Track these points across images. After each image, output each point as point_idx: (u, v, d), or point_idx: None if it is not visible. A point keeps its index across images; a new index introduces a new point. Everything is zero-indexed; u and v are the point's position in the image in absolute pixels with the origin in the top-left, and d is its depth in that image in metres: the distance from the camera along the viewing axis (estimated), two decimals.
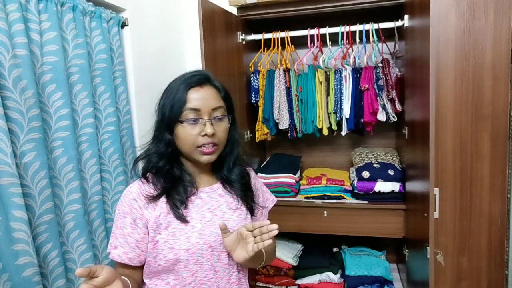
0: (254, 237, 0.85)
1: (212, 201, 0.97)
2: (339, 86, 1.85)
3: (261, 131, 2.03)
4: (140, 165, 0.97)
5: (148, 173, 0.94)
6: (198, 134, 0.90)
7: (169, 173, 0.94)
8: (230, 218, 0.97)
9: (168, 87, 0.95)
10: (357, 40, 1.83)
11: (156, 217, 0.90)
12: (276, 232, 0.83)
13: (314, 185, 1.93)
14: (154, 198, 0.91)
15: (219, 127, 0.93)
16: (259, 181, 1.12)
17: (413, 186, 1.63)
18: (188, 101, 0.89)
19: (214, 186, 1.00)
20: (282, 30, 1.91)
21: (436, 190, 1.67)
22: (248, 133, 1.98)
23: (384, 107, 1.81)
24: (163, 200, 0.92)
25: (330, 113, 1.88)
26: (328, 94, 1.89)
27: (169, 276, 0.92)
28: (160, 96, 0.95)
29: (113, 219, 1.60)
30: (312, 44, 1.87)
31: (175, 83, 0.93)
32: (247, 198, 1.02)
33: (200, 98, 0.90)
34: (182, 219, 0.90)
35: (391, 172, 1.79)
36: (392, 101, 1.81)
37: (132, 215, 0.89)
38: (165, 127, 0.92)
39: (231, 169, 1.01)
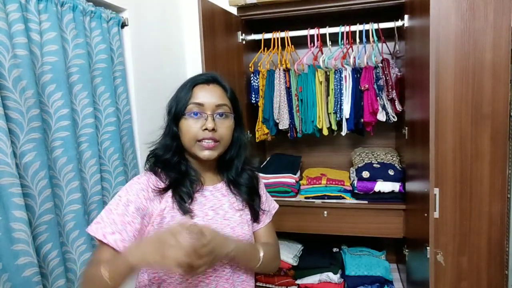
0: None
1: (215, 200, 0.98)
2: (339, 86, 1.84)
3: (261, 131, 2.03)
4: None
5: (156, 167, 0.96)
6: (199, 128, 0.92)
7: (176, 166, 0.96)
8: (232, 218, 0.98)
9: (179, 86, 0.99)
10: (357, 40, 1.83)
11: (161, 210, 0.90)
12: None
13: (314, 185, 1.92)
14: (161, 191, 0.92)
15: (222, 124, 0.94)
16: (264, 186, 1.13)
17: (413, 186, 1.63)
18: (193, 96, 0.93)
19: (218, 186, 1.01)
20: (282, 30, 1.91)
21: (436, 190, 1.67)
22: (248, 133, 1.98)
23: (384, 107, 1.81)
24: (169, 194, 0.93)
25: (330, 113, 1.88)
26: (328, 94, 1.89)
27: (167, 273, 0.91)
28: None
29: None
30: (312, 44, 1.87)
31: (185, 82, 0.98)
32: (254, 203, 1.03)
33: (205, 94, 0.94)
34: (187, 213, 0.91)
35: (391, 172, 1.79)
36: (392, 101, 1.81)
37: (136, 205, 0.88)
38: (172, 121, 0.96)
39: (239, 173, 1.02)
